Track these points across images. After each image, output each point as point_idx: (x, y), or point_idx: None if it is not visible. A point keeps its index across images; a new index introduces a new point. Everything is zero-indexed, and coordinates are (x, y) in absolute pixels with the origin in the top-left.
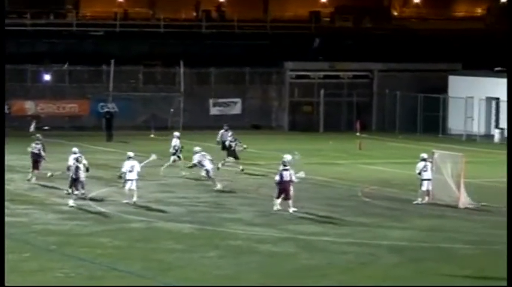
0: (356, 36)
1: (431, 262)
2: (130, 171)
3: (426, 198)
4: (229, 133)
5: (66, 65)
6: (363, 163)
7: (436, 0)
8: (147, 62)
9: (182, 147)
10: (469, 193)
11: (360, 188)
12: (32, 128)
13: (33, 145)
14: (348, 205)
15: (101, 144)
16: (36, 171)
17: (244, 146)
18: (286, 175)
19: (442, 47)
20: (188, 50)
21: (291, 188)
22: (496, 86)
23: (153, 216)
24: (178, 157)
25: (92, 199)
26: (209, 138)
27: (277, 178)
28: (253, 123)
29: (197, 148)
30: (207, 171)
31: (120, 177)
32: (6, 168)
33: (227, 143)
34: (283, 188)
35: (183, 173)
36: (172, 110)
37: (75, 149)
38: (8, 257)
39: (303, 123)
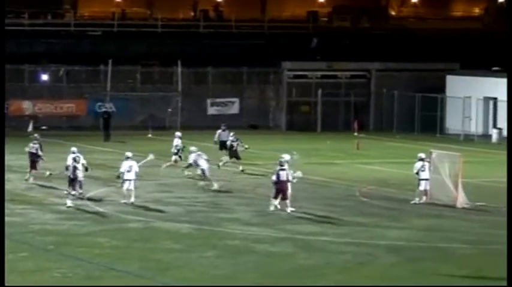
0: (354, 36)
1: (429, 261)
2: (128, 171)
3: (424, 198)
4: (231, 133)
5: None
6: (360, 162)
7: (433, 0)
8: (144, 62)
9: (184, 147)
10: (466, 193)
11: (357, 188)
12: (30, 128)
13: (31, 144)
14: (345, 204)
15: (99, 144)
16: (34, 171)
17: (246, 146)
18: (283, 175)
19: (440, 46)
20: (186, 50)
21: (289, 188)
22: (493, 86)
23: (151, 216)
24: (180, 157)
25: (89, 199)
26: (207, 138)
27: (274, 177)
28: (251, 123)
29: (193, 148)
30: (202, 170)
31: (118, 177)
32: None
33: (228, 143)
34: (280, 188)
35: (186, 172)
36: (170, 109)
37: (73, 149)
38: (6, 257)
39: (300, 123)
